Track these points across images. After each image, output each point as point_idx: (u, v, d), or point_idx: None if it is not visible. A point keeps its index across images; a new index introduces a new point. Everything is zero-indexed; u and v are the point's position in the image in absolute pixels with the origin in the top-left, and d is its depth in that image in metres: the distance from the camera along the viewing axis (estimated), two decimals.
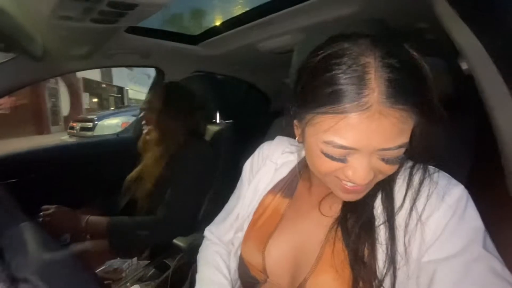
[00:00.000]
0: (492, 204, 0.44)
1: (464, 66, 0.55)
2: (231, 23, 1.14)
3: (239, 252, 0.55)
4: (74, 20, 0.71)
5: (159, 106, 1.07)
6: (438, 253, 0.36)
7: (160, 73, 1.49)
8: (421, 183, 0.40)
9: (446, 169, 0.42)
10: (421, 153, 0.40)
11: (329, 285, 0.41)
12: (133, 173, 1.22)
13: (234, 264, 0.57)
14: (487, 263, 0.34)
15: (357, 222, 0.41)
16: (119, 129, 5.49)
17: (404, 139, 0.34)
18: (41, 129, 9.50)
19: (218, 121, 1.62)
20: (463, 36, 0.51)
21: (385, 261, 0.38)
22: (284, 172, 0.55)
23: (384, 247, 0.39)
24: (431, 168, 0.42)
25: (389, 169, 0.37)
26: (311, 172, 0.49)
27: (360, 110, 0.32)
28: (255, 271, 0.50)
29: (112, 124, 6.10)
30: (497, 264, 0.34)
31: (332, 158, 0.36)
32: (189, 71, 1.53)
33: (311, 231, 0.47)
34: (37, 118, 9.49)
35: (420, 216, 0.38)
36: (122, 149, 1.54)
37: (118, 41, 1.06)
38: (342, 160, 0.36)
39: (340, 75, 0.33)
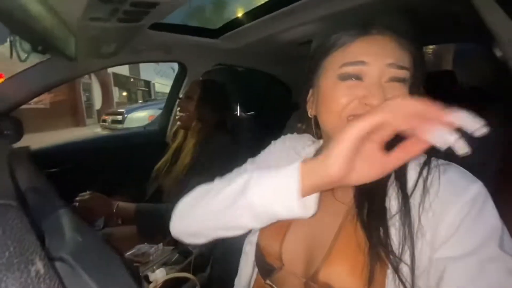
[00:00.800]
0: None
1: (498, 53, 0.51)
2: (252, 15, 1.14)
3: (255, 240, 0.56)
4: (103, 21, 0.75)
5: (196, 98, 1.18)
6: (452, 251, 0.35)
7: (183, 67, 1.54)
8: (436, 178, 0.39)
9: (470, 166, 0.40)
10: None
11: (341, 273, 0.42)
12: (160, 164, 1.29)
13: None
14: (503, 263, 0.33)
15: (371, 206, 0.41)
16: (146, 122, 5.76)
17: (405, 63, 0.41)
18: (77, 122, 10.25)
19: (239, 113, 1.64)
20: (498, 20, 0.47)
21: (399, 248, 0.38)
22: None
23: (399, 234, 0.38)
24: (447, 163, 0.41)
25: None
26: None
27: (365, 34, 0.42)
28: (271, 258, 0.51)
29: (140, 117, 6.36)
30: None
31: (349, 76, 0.42)
32: (210, 64, 1.55)
33: (324, 220, 0.47)
34: (74, 112, 10.24)
35: (435, 212, 0.37)
36: (149, 141, 1.62)
37: (143, 38, 1.11)
38: (358, 76, 0.41)
39: (346, 28, 0.43)
